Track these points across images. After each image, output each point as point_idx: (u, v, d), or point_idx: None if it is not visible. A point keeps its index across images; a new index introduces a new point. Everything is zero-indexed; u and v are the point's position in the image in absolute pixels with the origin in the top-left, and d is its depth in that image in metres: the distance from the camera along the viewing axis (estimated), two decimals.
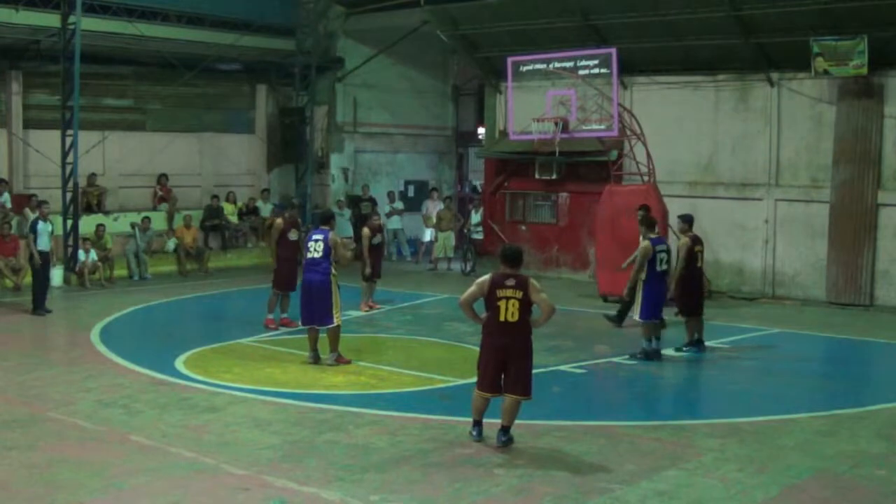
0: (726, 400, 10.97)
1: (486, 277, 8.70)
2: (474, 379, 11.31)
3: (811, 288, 17.66)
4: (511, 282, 8.54)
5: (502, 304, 8.50)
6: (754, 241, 18.47)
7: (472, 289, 8.69)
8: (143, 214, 21.02)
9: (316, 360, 11.98)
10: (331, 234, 12.02)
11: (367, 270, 16.19)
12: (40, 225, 15.88)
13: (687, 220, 13.40)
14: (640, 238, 12.90)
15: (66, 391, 10.56)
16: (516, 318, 8.51)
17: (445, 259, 22.53)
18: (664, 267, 12.53)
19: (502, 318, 8.52)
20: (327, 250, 11.86)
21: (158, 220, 21.87)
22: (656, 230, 12.86)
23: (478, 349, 12.98)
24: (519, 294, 8.50)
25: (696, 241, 13.26)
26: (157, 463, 8.10)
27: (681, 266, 12.93)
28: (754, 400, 10.80)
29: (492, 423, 9.39)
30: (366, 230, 16.55)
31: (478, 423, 8.85)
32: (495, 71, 21.36)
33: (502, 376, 8.68)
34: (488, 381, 8.74)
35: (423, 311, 16.68)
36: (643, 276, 12.43)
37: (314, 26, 23.47)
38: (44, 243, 15.89)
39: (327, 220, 12.46)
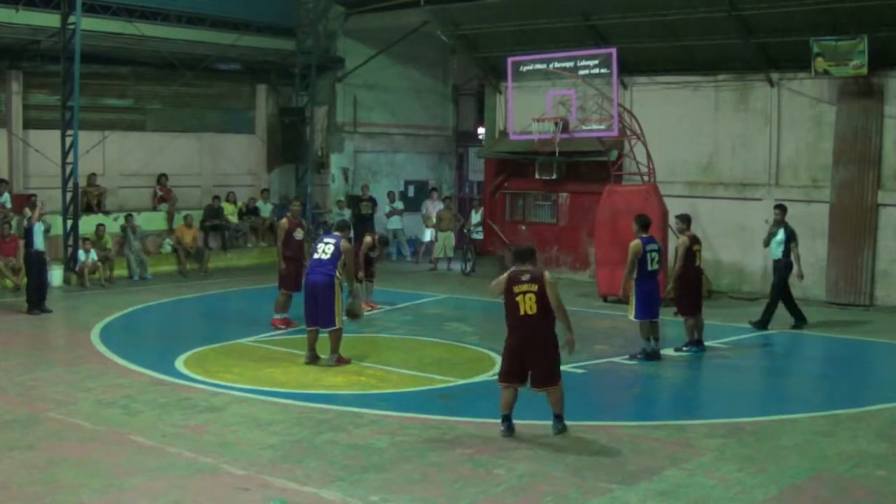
0: (726, 400, 10.96)
1: (503, 276, 9.04)
2: (474, 379, 11.44)
3: (811, 288, 17.62)
4: (526, 276, 8.86)
5: (520, 298, 8.81)
6: (754, 241, 18.42)
7: (499, 278, 9.06)
8: (126, 213, 20.85)
9: (314, 359, 11.98)
10: (343, 242, 12.03)
11: (360, 274, 16.22)
12: (35, 225, 15.89)
13: (685, 220, 13.40)
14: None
15: (66, 391, 10.55)
16: (535, 310, 8.79)
17: (445, 259, 22.54)
18: (655, 266, 12.52)
19: (522, 312, 8.81)
20: (337, 255, 11.84)
21: (158, 221, 21.89)
22: (648, 230, 12.81)
23: (477, 349, 13.10)
24: (535, 287, 8.80)
25: (695, 240, 13.26)
26: (156, 463, 8.10)
27: (679, 265, 12.93)
28: (754, 400, 10.81)
29: (492, 423, 9.42)
30: (368, 239, 16.53)
31: (506, 418, 8.93)
32: (495, 71, 21.36)
33: (528, 371, 8.90)
34: (509, 371, 8.95)
35: (423, 311, 16.68)
36: (634, 275, 12.42)
37: (314, 26, 23.47)
38: (39, 243, 15.91)
39: (342, 228, 12.57)
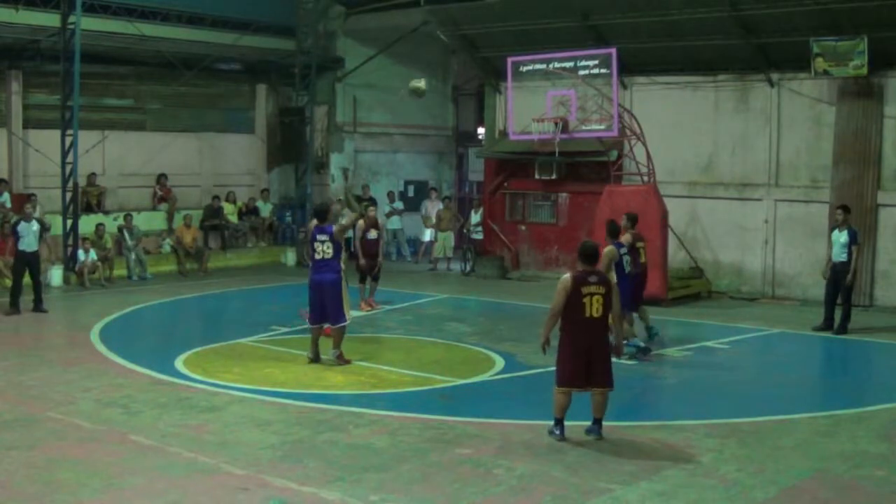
0: (726, 400, 10.96)
1: (566, 277, 8.78)
2: (474, 379, 11.43)
3: (811, 288, 17.60)
4: (594, 278, 8.74)
5: (587, 300, 8.65)
6: (754, 242, 18.46)
7: (558, 297, 8.70)
8: (125, 213, 20.89)
9: (317, 357, 12.00)
10: (335, 228, 12.05)
11: (362, 262, 16.11)
12: (22, 226, 15.81)
13: (630, 219, 13.48)
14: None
15: (66, 391, 10.55)
16: (600, 313, 8.70)
17: (445, 259, 22.54)
18: (629, 269, 12.65)
19: (587, 315, 8.65)
20: (338, 247, 11.92)
21: (158, 220, 21.89)
22: (618, 237, 12.89)
23: (477, 349, 13.09)
24: (602, 290, 8.70)
25: (637, 237, 13.34)
26: (156, 463, 8.10)
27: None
28: (754, 400, 10.80)
29: (492, 424, 9.41)
30: (360, 223, 16.40)
31: (560, 422, 8.84)
32: (495, 71, 21.35)
33: (590, 374, 8.77)
34: (572, 376, 8.76)
35: (423, 311, 16.67)
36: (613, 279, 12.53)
37: (314, 26, 23.46)
38: (30, 243, 15.81)
39: (325, 214, 12.24)
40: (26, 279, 15.97)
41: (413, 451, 8.51)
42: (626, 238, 13.07)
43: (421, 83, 15.01)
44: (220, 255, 22.21)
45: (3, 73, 20.04)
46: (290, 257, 22.92)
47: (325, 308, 11.94)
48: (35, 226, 16.00)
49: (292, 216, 23.94)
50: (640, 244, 13.33)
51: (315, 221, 12.23)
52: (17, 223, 16.01)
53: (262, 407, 10.01)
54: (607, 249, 12.53)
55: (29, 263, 15.91)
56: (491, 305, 17.64)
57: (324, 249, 11.90)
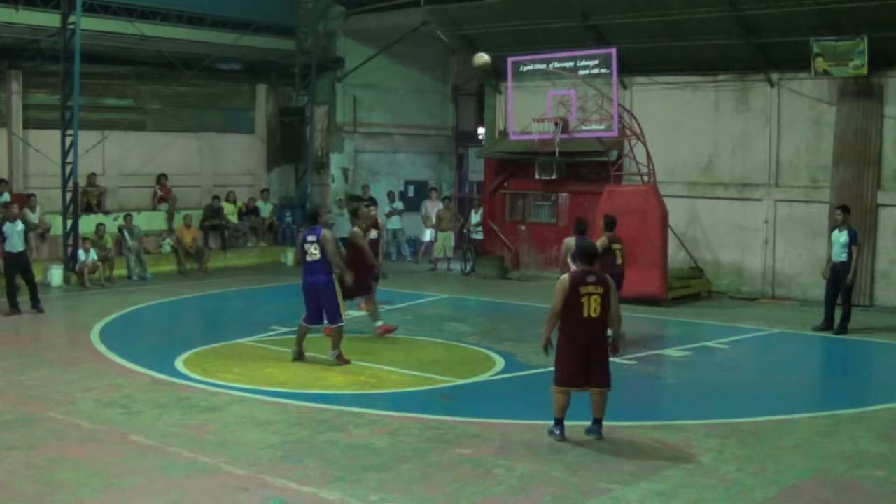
0: (726, 400, 10.96)
1: (565, 277, 8.86)
2: (474, 379, 11.43)
3: (811, 288, 17.59)
4: (592, 278, 8.77)
5: (585, 300, 8.70)
6: (754, 242, 18.45)
7: (557, 297, 8.76)
8: (125, 213, 20.90)
9: (301, 356, 12.08)
10: (322, 232, 12.08)
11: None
12: (7, 226, 15.72)
13: (606, 222, 13.55)
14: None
15: (66, 391, 10.55)
16: (598, 313, 8.73)
17: (445, 259, 22.54)
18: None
19: (585, 315, 8.70)
20: (324, 249, 11.94)
21: (158, 220, 21.89)
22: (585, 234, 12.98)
23: (477, 349, 13.10)
24: (600, 290, 8.74)
25: (613, 239, 13.38)
26: (156, 463, 8.11)
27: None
28: (754, 400, 10.80)
29: (492, 424, 9.41)
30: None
31: (560, 422, 8.87)
32: (495, 71, 21.34)
33: (589, 373, 8.79)
34: (570, 376, 8.80)
35: (423, 311, 16.68)
36: None
37: (314, 26, 23.47)
38: (14, 244, 15.73)
39: (316, 217, 12.49)
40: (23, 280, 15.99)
41: (413, 451, 8.51)
42: (601, 241, 13.08)
43: (484, 57, 15.48)
44: (220, 255, 22.22)
45: (3, 73, 20.03)
46: (290, 257, 22.89)
47: (321, 309, 11.99)
48: (20, 226, 15.92)
49: (292, 216, 23.94)
50: (616, 246, 13.33)
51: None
52: (1, 224, 15.90)
53: (262, 407, 10.01)
54: (565, 240, 12.76)
55: (18, 264, 15.84)
56: (491, 305, 17.65)
57: (312, 251, 11.97)
